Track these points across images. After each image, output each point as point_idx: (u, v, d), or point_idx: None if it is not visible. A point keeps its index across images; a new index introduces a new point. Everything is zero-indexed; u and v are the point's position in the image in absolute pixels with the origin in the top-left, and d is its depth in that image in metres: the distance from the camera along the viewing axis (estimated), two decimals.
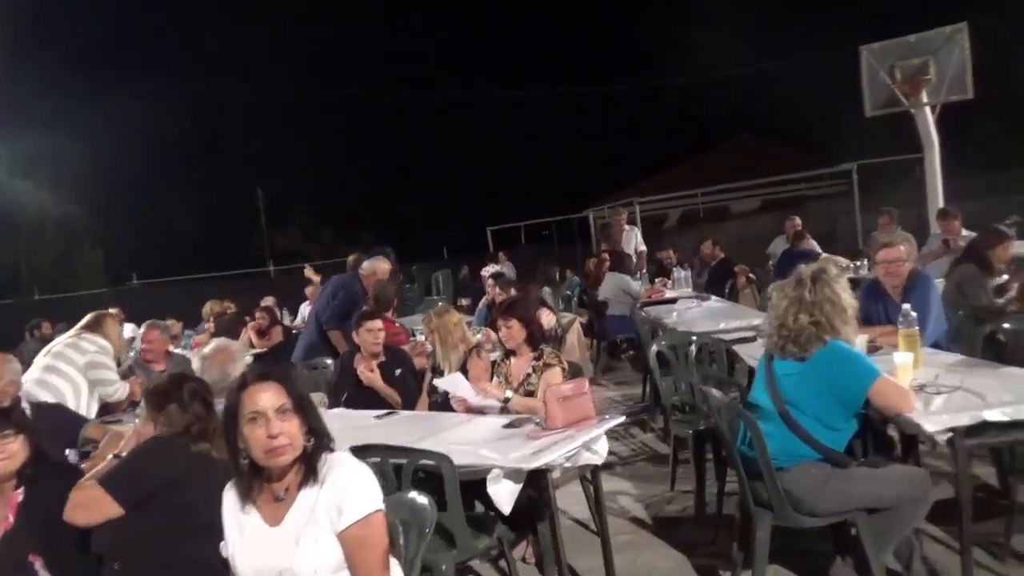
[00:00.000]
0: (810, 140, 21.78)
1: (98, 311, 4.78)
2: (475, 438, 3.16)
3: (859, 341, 3.67)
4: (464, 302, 12.06)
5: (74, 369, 4.28)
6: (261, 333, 8.39)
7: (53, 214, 19.35)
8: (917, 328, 3.38)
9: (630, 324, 7.13)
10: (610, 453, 5.40)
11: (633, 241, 10.59)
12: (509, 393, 3.49)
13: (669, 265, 9.92)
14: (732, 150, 24.40)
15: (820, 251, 8.85)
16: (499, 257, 13.57)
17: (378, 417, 3.83)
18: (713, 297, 8.18)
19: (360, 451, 2.66)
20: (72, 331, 4.57)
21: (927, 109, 9.43)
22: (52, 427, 3.42)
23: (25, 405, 4.01)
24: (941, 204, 9.76)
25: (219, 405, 3.04)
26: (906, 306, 3.47)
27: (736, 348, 4.40)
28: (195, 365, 3.15)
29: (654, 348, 4.49)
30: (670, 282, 8.88)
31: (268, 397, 1.91)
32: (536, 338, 3.82)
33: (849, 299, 2.88)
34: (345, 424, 3.71)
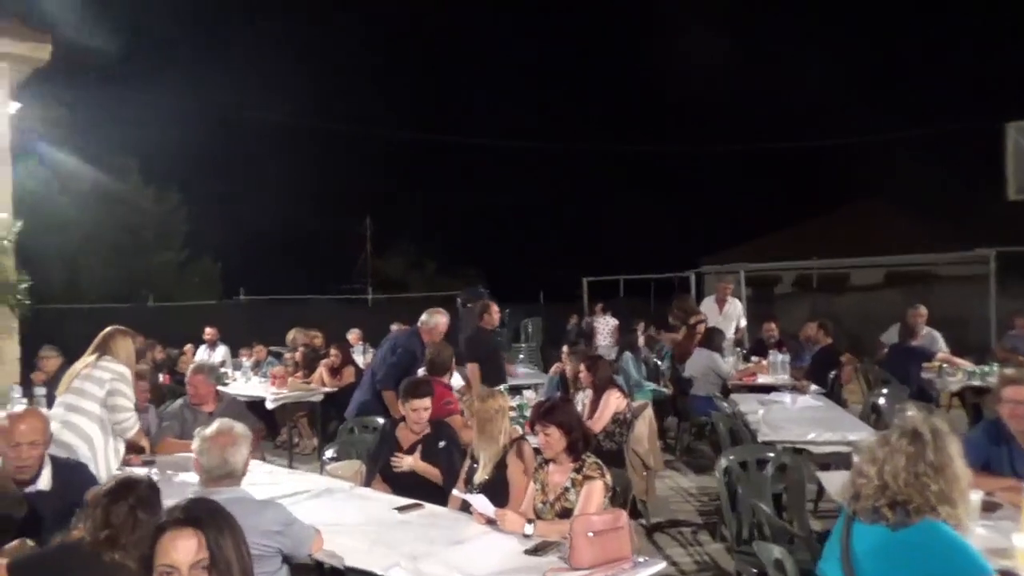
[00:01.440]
0: (942, 214, 20.19)
1: (110, 328, 4.45)
2: (484, 565, 2.75)
3: (972, 498, 3.03)
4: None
5: (96, 405, 4.11)
6: (334, 371, 8.31)
7: (177, 224, 20.48)
8: None
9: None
10: (669, 561, 4.95)
11: (735, 313, 9.91)
12: (529, 528, 3.05)
13: (770, 341, 9.17)
14: (854, 215, 22.97)
15: (938, 349, 7.89)
16: (596, 310, 13.07)
17: (400, 510, 3.49)
18: (813, 387, 7.43)
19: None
20: (86, 358, 4.33)
21: None
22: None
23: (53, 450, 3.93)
24: None
25: (217, 494, 2.82)
26: None
27: (821, 476, 3.78)
28: (195, 445, 2.92)
29: (723, 463, 3.93)
30: (766, 363, 8.15)
31: (185, 549, 1.60)
32: (578, 447, 3.38)
33: (964, 470, 2.33)
34: (361, 517, 3.42)
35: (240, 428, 2.92)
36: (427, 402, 4.27)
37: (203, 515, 1.67)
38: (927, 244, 17.04)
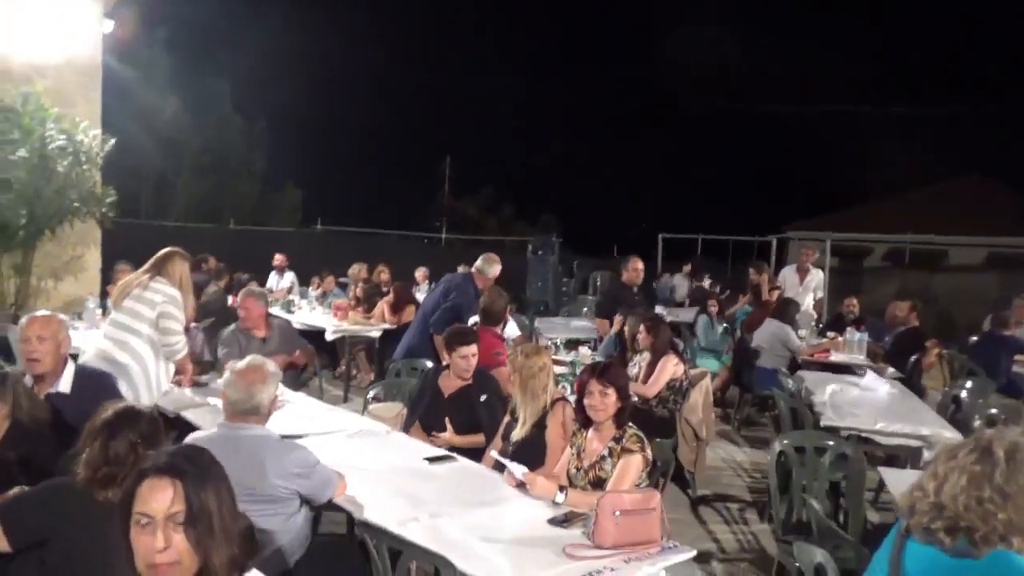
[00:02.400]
0: None
1: (168, 249, 4.43)
2: (504, 530, 2.62)
3: None
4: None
5: (147, 325, 4.13)
6: (394, 308, 8.31)
7: (262, 151, 20.85)
8: None
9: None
10: (711, 537, 4.76)
11: (815, 284, 9.39)
12: (560, 496, 2.90)
13: (849, 317, 8.67)
14: (956, 190, 21.47)
15: None
16: (684, 269, 12.62)
17: (430, 461, 3.41)
18: (890, 371, 6.98)
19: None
20: (140, 274, 4.32)
21: None
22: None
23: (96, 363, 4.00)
24: None
25: (241, 430, 2.78)
26: None
27: (884, 472, 3.49)
28: (224, 378, 2.87)
29: (776, 447, 3.68)
30: (842, 340, 7.70)
31: (162, 499, 1.51)
32: (624, 416, 3.19)
33: None
34: (390, 464, 3.35)
35: (271, 367, 2.85)
36: (473, 349, 4.16)
37: (186, 465, 1.56)
38: None
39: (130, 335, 4.14)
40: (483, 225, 25.39)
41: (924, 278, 17.93)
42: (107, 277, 8.10)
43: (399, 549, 2.32)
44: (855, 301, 8.73)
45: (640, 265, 7.37)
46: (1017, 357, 6.75)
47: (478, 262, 5.77)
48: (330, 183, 22.68)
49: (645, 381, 5.33)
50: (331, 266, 11.42)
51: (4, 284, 8.23)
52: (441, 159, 25.85)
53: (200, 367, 4.96)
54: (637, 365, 5.64)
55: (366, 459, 3.38)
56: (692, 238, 16.11)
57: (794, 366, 7.06)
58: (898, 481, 3.33)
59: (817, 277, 9.37)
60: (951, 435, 4.37)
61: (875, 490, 5.00)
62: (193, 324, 5.37)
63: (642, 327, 5.50)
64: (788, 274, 9.36)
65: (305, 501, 2.79)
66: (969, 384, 5.63)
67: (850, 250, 20.28)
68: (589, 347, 6.57)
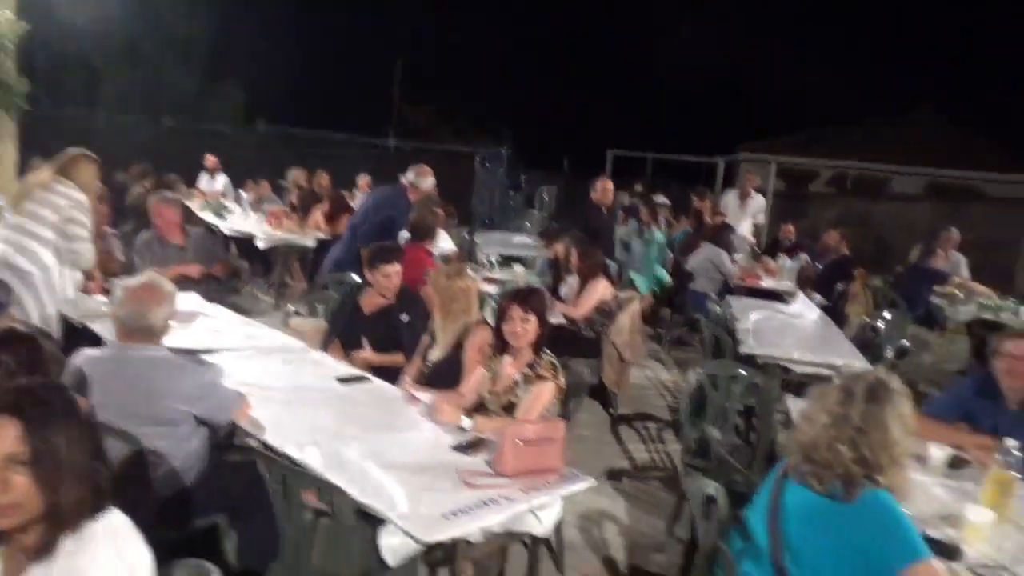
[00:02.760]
0: (999, 131, 18.94)
1: (74, 151, 4.17)
2: (407, 456, 2.61)
3: (937, 454, 2.84)
4: None
5: (50, 230, 3.90)
6: (329, 218, 8.09)
7: (204, 43, 19.58)
8: (1017, 476, 2.50)
9: None
10: (626, 455, 4.90)
11: (755, 209, 9.46)
12: (466, 422, 2.89)
13: (784, 243, 8.80)
14: (904, 120, 21.66)
15: (959, 275, 7.49)
16: (635, 188, 12.46)
17: (342, 381, 3.36)
18: (817, 297, 7.15)
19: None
20: (42, 176, 4.07)
21: None
22: None
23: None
24: None
25: (132, 350, 2.66)
26: (1010, 442, 2.57)
27: (791, 402, 3.58)
28: (114, 295, 2.73)
29: (692, 378, 3.73)
30: (775, 265, 7.82)
31: (1, 439, 1.41)
32: (541, 343, 3.18)
33: (904, 435, 2.05)
34: (300, 384, 3.29)
35: (167, 286, 2.72)
36: (396, 268, 4.06)
37: (28, 403, 1.44)
38: (976, 159, 16.10)
39: (31, 240, 3.92)
40: (436, 133, 24.70)
41: (865, 205, 18.26)
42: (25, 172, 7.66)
43: (291, 474, 2.29)
44: (791, 228, 8.85)
45: (610, 185, 7.30)
46: (937, 288, 6.95)
47: (409, 174, 5.57)
48: (276, 81, 21.53)
49: (576, 303, 5.33)
50: (274, 170, 11.01)
51: None
52: (394, 62, 24.80)
53: (114, 270, 4.78)
54: (568, 286, 5.64)
55: (276, 378, 3.31)
56: (642, 156, 15.98)
57: (727, 291, 7.17)
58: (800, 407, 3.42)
59: (757, 202, 9.43)
60: (862, 365, 4.50)
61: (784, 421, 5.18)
62: (109, 229, 5.13)
63: (573, 250, 5.47)
64: (730, 198, 9.40)
65: (203, 422, 2.72)
66: (887, 315, 5.79)
67: (796, 174, 20.46)
68: (522, 266, 6.52)
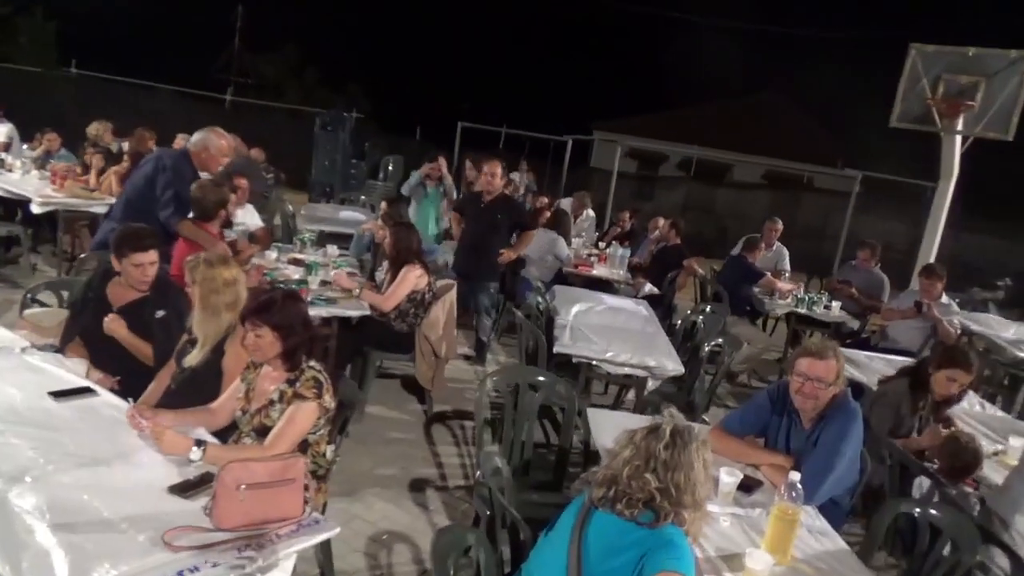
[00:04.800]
0: (831, 123, 20.22)
1: None
2: (103, 502, 2.07)
3: (727, 479, 2.64)
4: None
5: None
6: (124, 180, 7.12)
7: None
8: (798, 508, 2.33)
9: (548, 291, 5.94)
10: (435, 461, 4.54)
11: (579, 225, 9.37)
12: (196, 454, 2.38)
13: (620, 230, 8.75)
14: (751, 107, 22.72)
15: (782, 267, 7.71)
16: (522, 166, 12.01)
17: (56, 396, 2.73)
18: (648, 287, 7.11)
19: None
20: None
21: (957, 138, 8.13)
22: None
23: None
24: (939, 240, 8.65)
25: None
26: (794, 476, 2.39)
27: (591, 413, 3.32)
28: None
29: (488, 385, 3.39)
30: (608, 251, 7.72)
31: None
32: (296, 355, 2.69)
33: (705, 479, 2.01)
34: (3, 396, 2.64)
35: None
36: (151, 256, 3.43)
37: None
38: (808, 151, 17.05)
39: None
40: (283, 90, 23.15)
41: (708, 191, 18.96)
42: None
43: None
44: (627, 215, 8.81)
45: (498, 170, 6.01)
46: (763, 282, 7.08)
47: (195, 135, 4.81)
48: (95, 19, 19.21)
49: (385, 293, 4.87)
50: (87, 122, 9.65)
51: None
52: (233, 6, 22.84)
53: None
54: (383, 271, 5.17)
55: None
56: (495, 131, 15.65)
57: (559, 279, 6.97)
58: (601, 424, 3.17)
59: (589, 218, 9.46)
60: (673, 367, 4.38)
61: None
62: None
63: (389, 231, 5.00)
64: (564, 204, 9.25)
65: None
66: (708, 308, 5.76)
67: (648, 155, 20.94)
68: (336, 247, 5.95)
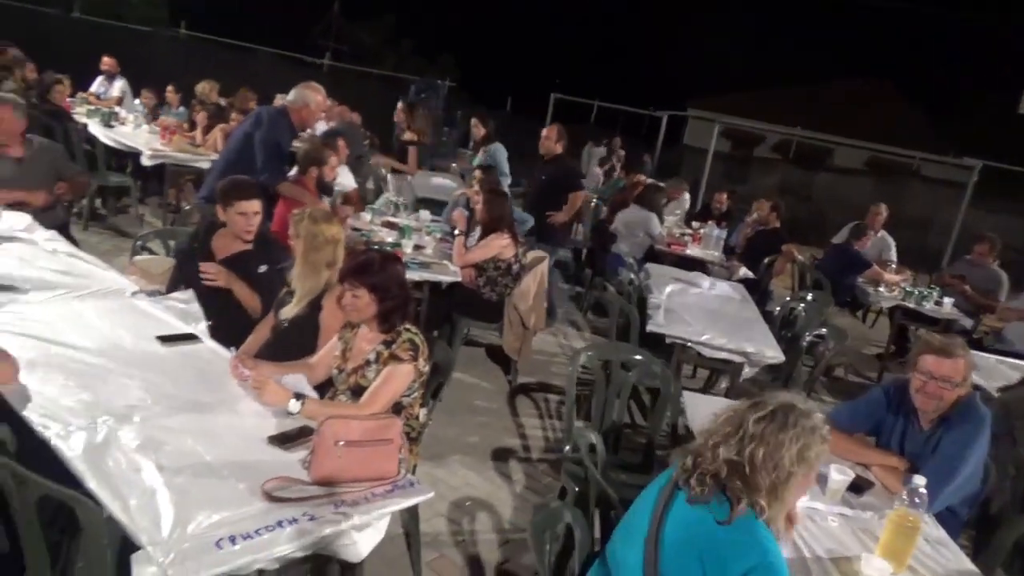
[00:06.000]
0: (942, 111, 18.97)
1: None
2: (204, 448, 2.10)
3: (837, 478, 2.48)
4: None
5: None
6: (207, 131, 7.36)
7: None
8: (919, 515, 2.15)
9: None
10: (519, 432, 4.49)
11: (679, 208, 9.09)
12: (294, 406, 2.38)
13: (716, 211, 8.44)
14: (855, 90, 21.60)
15: (887, 257, 7.28)
16: (615, 143, 11.84)
17: (163, 340, 2.80)
18: (743, 270, 6.84)
19: None
20: None
21: None
22: None
23: None
24: None
25: None
26: (919, 481, 2.21)
27: (687, 397, 3.19)
28: None
29: (581, 359, 3.30)
30: (704, 230, 7.46)
31: None
32: (392, 317, 2.66)
33: (793, 467, 1.72)
34: (107, 339, 2.71)
35: None
36: (255, 206, 3.47)
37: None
38: (917, 138, 16.07)
39: None
40: (379, 57, 23.40)
41: (806, 175, 18.18)
42: None
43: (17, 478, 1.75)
44: (724, 196, 8.47)
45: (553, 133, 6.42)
46: (869, 273, 6.71)
47: (291, 93, 4.84)
48: None
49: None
50: (193, 81, 9.98)
51: None
52: None
53: None
54: (475, 238, 5.12)
55: (80, 332, 2.72)
56: (587, 103, 15.37)
57: (651, 256, 6.79)
58: (697, 407, 3.03)
59: (683, 204, 9.18)
60: (773, 354, 4.18)
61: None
62: None
63: (481, 198, 4.94)
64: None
65: None
66: (809, 297, 5.48)
67: (743, 136, 20.21)
68: (428, 212, 5.94)
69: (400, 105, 8.73)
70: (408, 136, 7.89)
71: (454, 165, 9.91)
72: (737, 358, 4.18)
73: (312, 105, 4.74)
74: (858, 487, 2.59)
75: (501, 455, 4.10)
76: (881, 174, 18.12)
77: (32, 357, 2.44)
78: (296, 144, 4.42)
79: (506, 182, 6.60)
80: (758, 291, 6.69)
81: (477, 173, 5.68)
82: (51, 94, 7.08)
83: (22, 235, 3.61)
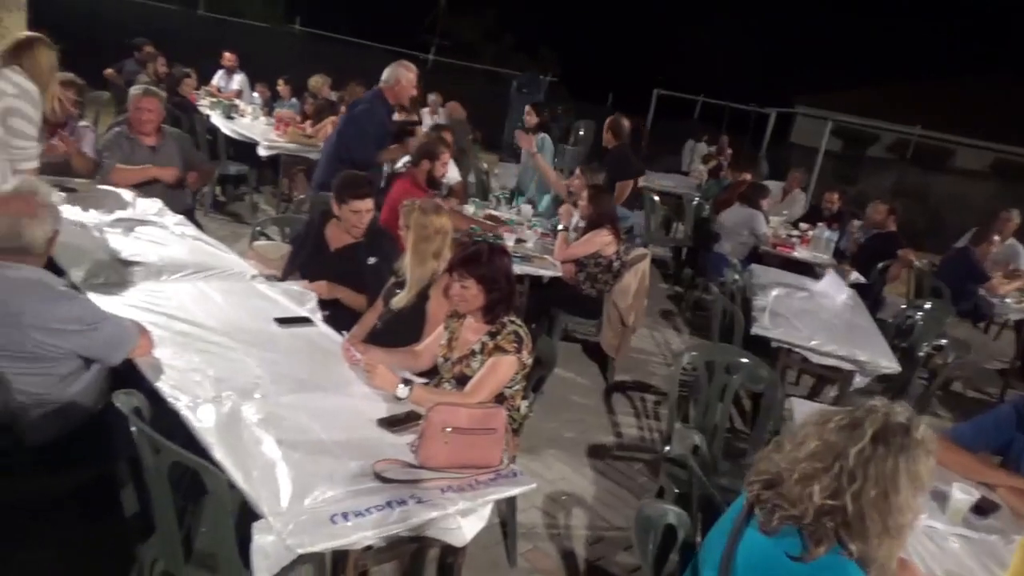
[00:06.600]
0: None
1: (29, 35, 3.62)
2: (318, 426, 2.19)
3: (960, 496, 2.34)
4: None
5: None
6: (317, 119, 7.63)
7: None
8: None
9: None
10: (615, 430, 4.45)
11: (796, 208, 8.76)
12: (403, 391, 2.44)
13: (826, 212, 8.09)
14: (978, 87, 20.18)
15: (1017, 263, 6.79)
16: (723, 142, 11.64)
17: (280, 322, 2.94)
18: (854, 275, 6.53)
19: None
20: None
21: None
22: None
23: None
24: None
25: (5, 269, 2.23)
26: None
27: (795, 403, 3.08)
28: None
29: (684, 360, 3.24)
30: (811, 234, 7.17)
31: None
32: (496, 309, 2.69)
33: (911, 500, 1.52)
34: (229, 320, 2.87)
35: (43, 198, 2.27)
36: (367, 204, 3.59)
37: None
38: None
39: None
40: (481, 52, 23.67)
41: (923, 177, 17.16)
42: None
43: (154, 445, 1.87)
44: (836, 196, 8.11)
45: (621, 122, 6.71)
46: (987, 285, 6.29)
47: (384, 73, 4.98)
48: None
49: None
50: (306, 74, 10.41)
51: None
52: None
53: (83, 168, 4.37)
54: (574, 229, 5.11)
55: (205, 311, 2.90)
56: (691, 99, 15.04)
57: (755, 258, 6.59)
58: (803, 415, 2.92)
59: (798, 202, 8.83)
60: (888, 363, 3.98)
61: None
62: (83, 123, 4.69)
63: (586, 192, 4.92)
64: (773, 186, 8.71)
65: (93, 361, 2.33)
66: (928, 305, 5.18)
67: (854, 134, 19.28)
68: (531, 206, 5.97)
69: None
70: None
71: (555, 160, 9.93)
72: (848, 366, 4.01)
73: (404, 81, 4.89)
74: (982, 508, 2.43)
75: (596, 452, 4.08)
76: (1008, 177, 16.90)
77: (163, 333, 2.61)
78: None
79: None
80: (870, 297, 6.38)
81: (577, 171, 5.67)
82: (181, 87, 7.52)
83: (154, 219, 3.86)
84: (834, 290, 5.16)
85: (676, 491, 2.91)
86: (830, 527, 1.51)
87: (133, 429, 1.89)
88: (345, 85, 9.27)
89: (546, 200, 6.25)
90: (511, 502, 2.78)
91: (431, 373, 2.88)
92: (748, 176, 7.77)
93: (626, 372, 5.15)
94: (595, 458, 4.01)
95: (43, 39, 3.68)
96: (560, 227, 5.01)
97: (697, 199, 8.25)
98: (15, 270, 2.16)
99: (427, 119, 8.45)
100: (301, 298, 3.23)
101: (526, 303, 4.72)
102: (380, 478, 1.99)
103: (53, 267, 2.64)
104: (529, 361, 2.73)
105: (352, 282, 3.53)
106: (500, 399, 2.69)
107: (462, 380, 2.69)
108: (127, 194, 4.08)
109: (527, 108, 7.56)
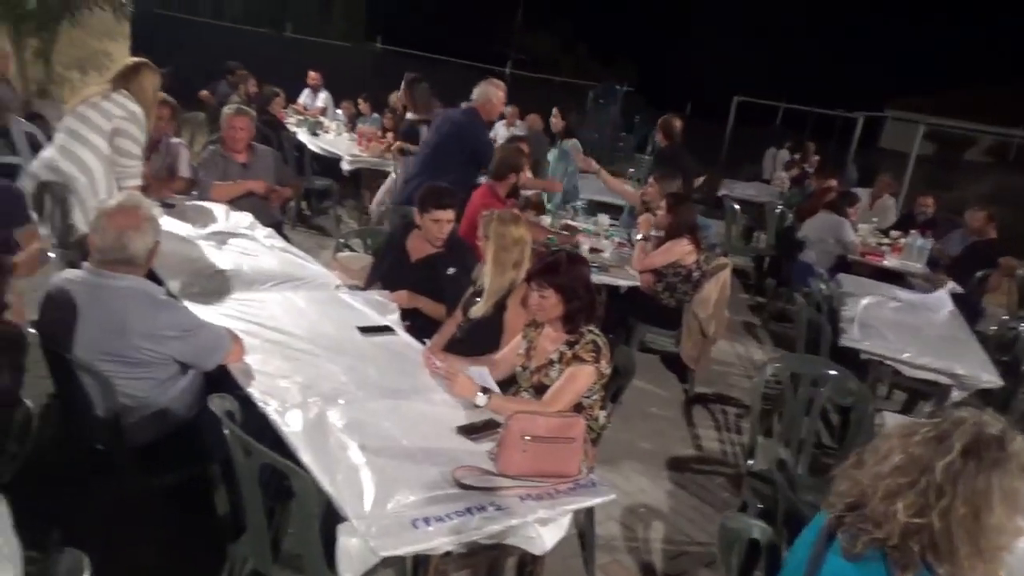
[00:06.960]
0: None
1: (135, 60, 3.86)
2: (399, 432, 2.24)
3: None
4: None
5: (100, 137, 3.62)
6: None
7: None
8: None
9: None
10: (695, 443, 4.36)
11: (886, 214, 8.42)
12: (482, 399, 2.47)
13: (919, 218, 7.74)
14: None
15: None
16: (808, 149, 11.37)
17: (363, 331, 3.02)
18: (951, 284, 6.20)
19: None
20: (102, 84, 3.78)
21: None
22: None
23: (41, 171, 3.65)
24: None
25: (110, 279, 2.37)
26: None
27: (887, 417, 2.95)
28: (92, 219, 2.42)
29: (768, 371, 3.15)
30: (904, 242, 6.86)
31: None
32: (577, 318, 2.69)
33: (1007, 520, 1.40)
34: (314, 329, 2.96)
35: (146, 211, 2.39)
36: (449, 215, 3.64)
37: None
38: None
39: (79, 144, 3.69)
40: (556, 64, 23.76)
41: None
42: None
43: (246, 449, 1.95)
44: (930, 201, 7.74)
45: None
46: None
47: (475, 91, 5.05)
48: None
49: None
50: (387, 90, 10.73)
51: (27, 69, 7.95)
52: None
53: (177, 186, 4.62)
54: (652, 238, 5.05)
55: (292, 319, 3.00)
56: (772, 105, 14.66)
57: (843, 267, 6.35)
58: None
59: (889, 211, 8.48)
60: (989, 378, 3.76)
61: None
62: (176, 139, 4.95)
63: (664, 201, 4.86)
64: (861, 194, 8.42)
65: (187, 366, 2.45)
66: None
67: (949, 138, 18.37)
68: (607, 216, 5.93)
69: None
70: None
71: (631, 171, 9.87)
72: (944, 380, 3.81)
73: (495, 100, 4.96)
74: None
75: (676, 465, 4.01)
76: None
77: (253, 340, 2.72)
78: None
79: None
80: (968, 308, 6.05)
81: (651, 180, 5.61)
82: (270, 106, 7.84)
83: (245, 231, 4.03)
84: (931, 300, 4.93)
85: (760, 506, 2.84)
86: (916, 550, 1.42)
87: (226, 432, 1.98)
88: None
89: (624, 211, 6.21)
90: (589, 512, 2.76)
91: (507, 383, 2.89)
92: (833, 183, 7.49)
93: (706, 384, 5.04)
94: (674, 471, 3.94)
95: (148, 64, 3.92)
96: (639, 236, 4.97)
97: (780, 207, 8.03)
98: (120, 280, 2.29)
99: (503, 131, 8.53)
100: (383, 308, 3.30)
101: (603, 313, 4.69)
102: (460, 485, 2.01)
103: (153, 277, 2.79)
104: (607, 371, 2.71)
105: (432, 292, 3.59)
106: (578, 409, 2.68)
107: (540, 389, 2.70)
108: (220, 208, 4.27)
109: (554, 111, 7.60)
